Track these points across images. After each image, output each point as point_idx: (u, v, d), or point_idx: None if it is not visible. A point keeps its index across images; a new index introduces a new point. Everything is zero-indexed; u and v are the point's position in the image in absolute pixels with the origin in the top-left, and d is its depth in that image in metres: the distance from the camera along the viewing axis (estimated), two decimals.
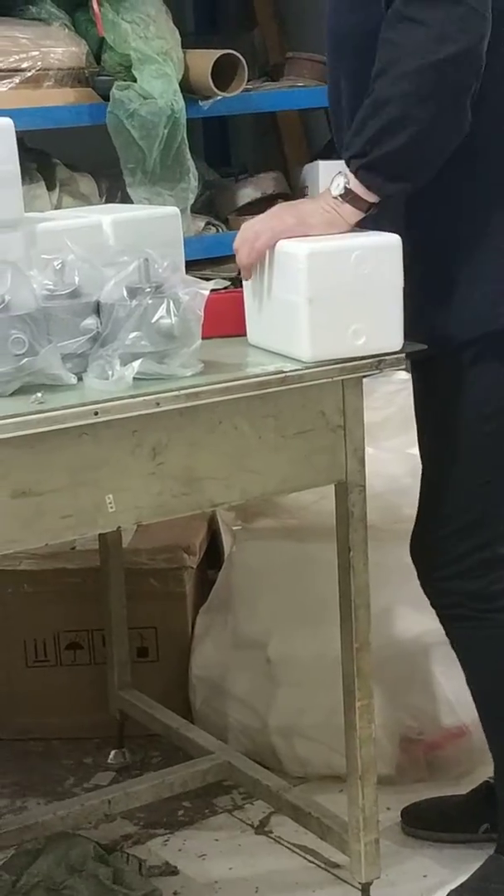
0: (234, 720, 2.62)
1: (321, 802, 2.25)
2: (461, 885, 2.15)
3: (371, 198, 1.84)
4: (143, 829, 2.44)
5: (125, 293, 1.79)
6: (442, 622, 2.12)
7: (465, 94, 1.79)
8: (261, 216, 1.93)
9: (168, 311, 1.77)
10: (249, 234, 1.90)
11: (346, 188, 1.84)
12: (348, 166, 1.83)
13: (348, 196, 1.84)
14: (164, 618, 2.71)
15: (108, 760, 2.66)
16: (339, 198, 1.85)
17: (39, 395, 1.72)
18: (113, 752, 2.66)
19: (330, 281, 1.86)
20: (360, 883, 2.12)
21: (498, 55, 1.82)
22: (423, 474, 2.09)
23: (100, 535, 2.50)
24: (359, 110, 1.82)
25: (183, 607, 2.71)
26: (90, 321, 1.78)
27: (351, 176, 1.83)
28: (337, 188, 1.85)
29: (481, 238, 1.92)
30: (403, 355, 1.93)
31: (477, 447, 1.99)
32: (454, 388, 1.97)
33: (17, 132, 1.97)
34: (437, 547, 2.05)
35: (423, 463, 2.09)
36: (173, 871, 2.31)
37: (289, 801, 2.26)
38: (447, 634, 2.12)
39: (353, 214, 1.86)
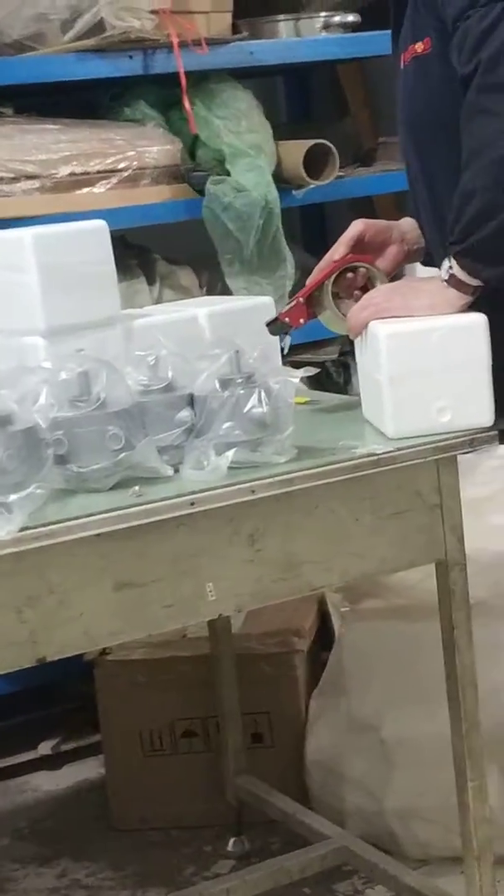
0: (350, 804, 2.61)
1: (442, 885, 2.22)
2: None
3: (473, 282, 1.89)
4: None
5: (217, 385, 1.84)
6: None
7: None
8: (383, 289, 2.00)
9: (259, 400, 1.81)
10: (364, 302, 1.98)
11: (450, 273, 1.90)
12: (452, 253, 1.89)
13: (452, 281, 1.90)
14: (277, 702, 2.71)
15: (228, 848, 2.66)
16: (445, 282, 1.90)
17: (137, 488, 1.76)
18: (232, 840, 2.66)
19: (411, 361, 1.90)
20: None
21: None
22: None
23: (209, 621, 2.53)
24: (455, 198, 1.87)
25: (295, 691, 2.71)
26: (184, 413, 1.83)
27: (454, 261, 1.89)
28: (443, 272, 1.91)
29: None
30: (496, 432, 1.94)
31: None
32: None
33: (117, 230, 2.04)
34: None
35: None
36: None
37: (408, 884, 2.24)
38: None
39: (458, 298, 1.91)
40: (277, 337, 2.11)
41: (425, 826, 2.53)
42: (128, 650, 2.70)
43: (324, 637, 2.89)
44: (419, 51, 1.91)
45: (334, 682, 2.70)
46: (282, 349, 2.10)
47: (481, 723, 2.03)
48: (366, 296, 2.01)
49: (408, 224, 2.14)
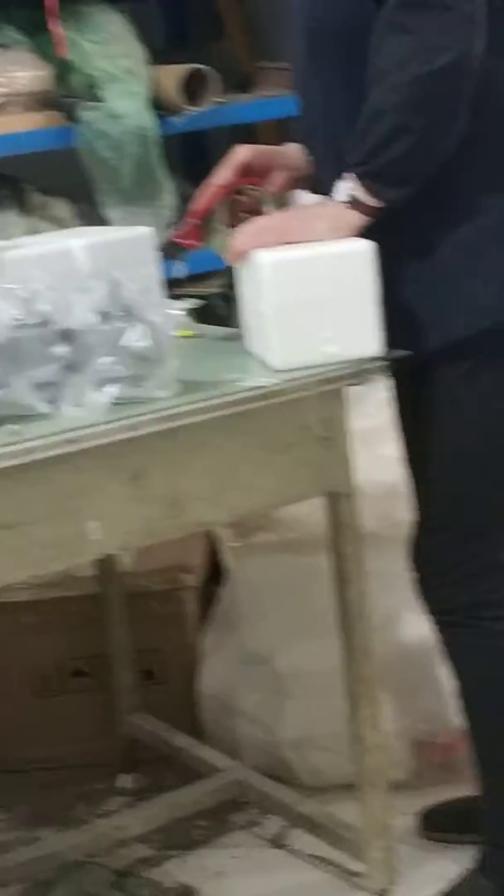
0: (244, 736, 2.61)
1: (337, 812, 2.24)
2: None
3: (375, 203, 1.85)
4: (159, 852, 2.42)
5: (96, 318, 1.79)
6: (436, 628, 2.10)
7: (459, 102, 1.80)
8: (272, 217, 1.95)
9: (140, 333, 1.77)
10: (253, 228, 1.92)
11: (350, 195, 1.85)
12: (352, 173, 1.84)
13: (353, 202, 1.85)
14: (168, 639, 2.69)
15: (120, 785, 2.65)
16: (345, 204, 1.86)
17: (14, 426, 1.71)
18: (124, 777, 2.65)
19: (296, 290, 1.86)
20: (378, 890, 2.11)
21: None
22: (417, 484, 2.06)
23: (97, 560, 2.50)
24: (358, 116, 1.82)
25: (186, 627, 2.69)
26: (61, 348, 1.77)
27: (356, 182, 1.84)
28: (341, 194, 1.85)
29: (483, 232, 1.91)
30: (386, 363, 1.92)
31: (475, 457, 1.97)
32: (451, 396, 1.95)
33: None
34: (435, 556, 2.03)
35: (415, 473, 2.07)
36: (191, 892, 2.30)
37: (303, 813, 2.25)
38: (441, 642, 2.10)
39: (359, 219, 1.86)
40: (161, 267, 2.06)
41: (319, 754, 2.54)
42: (13, 591, 2.65)
43: (214, 573, 2.87)
44: None
45: (226, 617, 2.69)
46: (176, 276, 2.04)
47: (373, 651, 2.04)
48: (259, 220, 1.95)
49: (293, 150, 2.08)
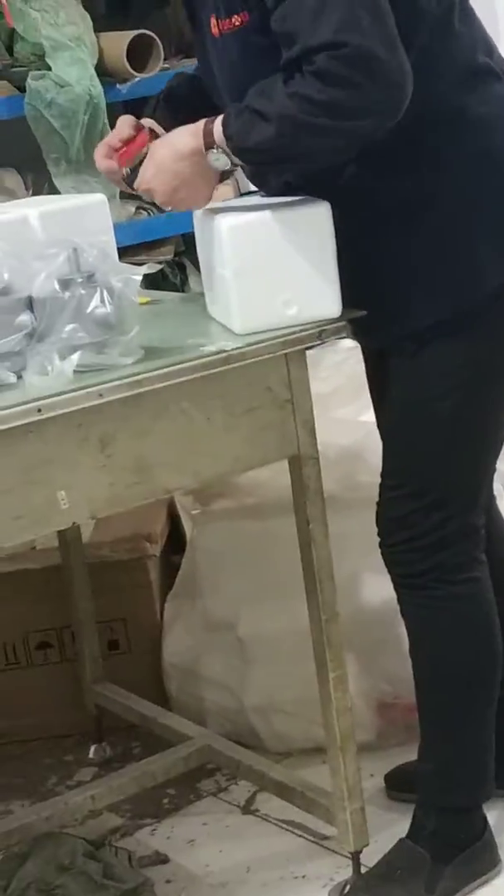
0: (210, 703, 2.62)
1: (305, 776, 2.25)
2: (368, 871, 2.14)
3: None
4: (130, 821, 2.43)
5: (57, 286, 1.77)
6: (397, 590, 2.11)
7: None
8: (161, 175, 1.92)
9: (102, 300, 1.75)
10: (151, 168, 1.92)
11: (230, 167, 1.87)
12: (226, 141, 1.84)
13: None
14: (132, 608, 2.69)
15: (89, 756, 2.65)
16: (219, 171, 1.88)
17: None
18: (93, 748, 2.65)
19: (255, 253, 1.86)
20: (349, 852, 2.13)
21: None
22: (385, 448, 2.07)
23: (59, 531, 2.48)
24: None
25: (150, 596, 2.69)
26: (24, 317, 1.76)
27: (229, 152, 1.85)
28: (218, 162, 1.86)
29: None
30: (344, 323, 1.93)
31: (442, 423, 1.98)
32: (418, 364, 1.96)
33: None
34: (402, 520, 2.04)
35: (384, 437, 2.08)
36: (163, 860, 2.31)
37: (272, 778, 2.26)
38: (400, 602, 2.12)
39: (223, 167, 1.88)
40: (116, 235, 2.04)
41: (285, 719, 2.55)
42: None
43: (174, 541, 2.87)
44: (237, 24, 1.87)
45: (188, 585, 2.69)
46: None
47: (339, 614, 2.04)
48: (157, 165, 1.92)
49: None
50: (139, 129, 2.01)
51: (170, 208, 1.96)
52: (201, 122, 1.87)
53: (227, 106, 1.94)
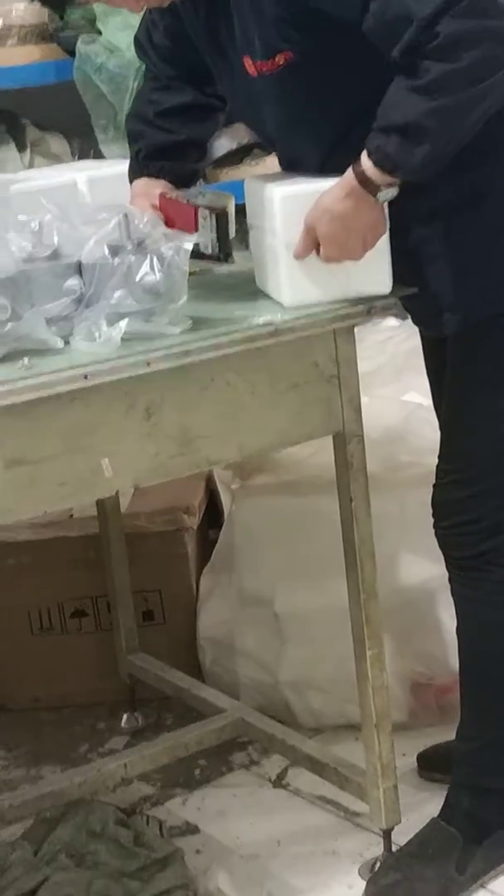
0: (244, 677, 2.61)
1: (337, 753, 2.25)
2: (399, 849, 2.13)
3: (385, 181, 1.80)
4: (161, 791, 2.44)
5: (107, 251, 1.76)
6: (449, 568, 2.10)
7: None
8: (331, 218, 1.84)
9: (152, 267, 1.74)
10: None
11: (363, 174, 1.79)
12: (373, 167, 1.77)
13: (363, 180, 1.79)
14: (168, 580, 2.69)
15: (122, 725, 2.65)
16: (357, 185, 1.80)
17: (26, 360, 1.68)
18: (125, 717, 2.65)
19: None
20: (381, 829, 2.12)
21: None
22: (443, 432, 2.06)
23: (98, 500, 2.48)
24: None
25: (186, 568, 2.69)
26: (73, 282, 1.75)
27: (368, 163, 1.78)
28: (388, 195, 1.80)
29: None
30: (394, 300, 1.91)
31: (498, 413, 1.96)
32: (475, 354, 1.95)
33: None
34: (458, 503, 2.03)
35: (447, 427, 2.06)
36: (194, 830, 2.31)
37: (305, 753, 2.26)
38: (451, 581, 2.11)
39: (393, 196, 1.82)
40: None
41: (318, 696, 2.55)
42: (13, 531, 2.64)
43: (211, 515, 2.86)
44: (280, 63, 1.81)
45: (225, 559, 2.69)
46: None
47: (378, 592, 2.03)
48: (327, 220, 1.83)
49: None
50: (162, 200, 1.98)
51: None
52: (347, 179, 1.79)
53: (272, 139, 1.93)
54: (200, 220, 1.95)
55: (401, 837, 2.13)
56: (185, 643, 2.68)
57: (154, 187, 2.05)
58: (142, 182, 2.07)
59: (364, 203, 1.80)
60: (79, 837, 2.15)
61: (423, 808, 2.23)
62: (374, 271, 1.88)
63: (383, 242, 1.87)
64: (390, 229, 1.86)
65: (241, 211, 1.99)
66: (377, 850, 2.15)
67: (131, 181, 2.09)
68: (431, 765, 2.37)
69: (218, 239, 1.95)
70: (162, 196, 2.01)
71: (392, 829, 2.12)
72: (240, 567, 2.65)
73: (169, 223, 1.92)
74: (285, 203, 1.85)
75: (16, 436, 1.69)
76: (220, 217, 1.95)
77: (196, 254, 1.87)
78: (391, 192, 1.79)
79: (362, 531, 1.99)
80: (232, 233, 2.00)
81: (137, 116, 2.15)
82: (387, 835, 2.12)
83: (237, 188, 2.05)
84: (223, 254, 1.96)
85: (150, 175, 2.07)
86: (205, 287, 2.05)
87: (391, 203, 1.83)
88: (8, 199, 1.93)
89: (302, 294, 1.87)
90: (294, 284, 1.87)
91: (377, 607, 2.03)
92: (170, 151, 2.08)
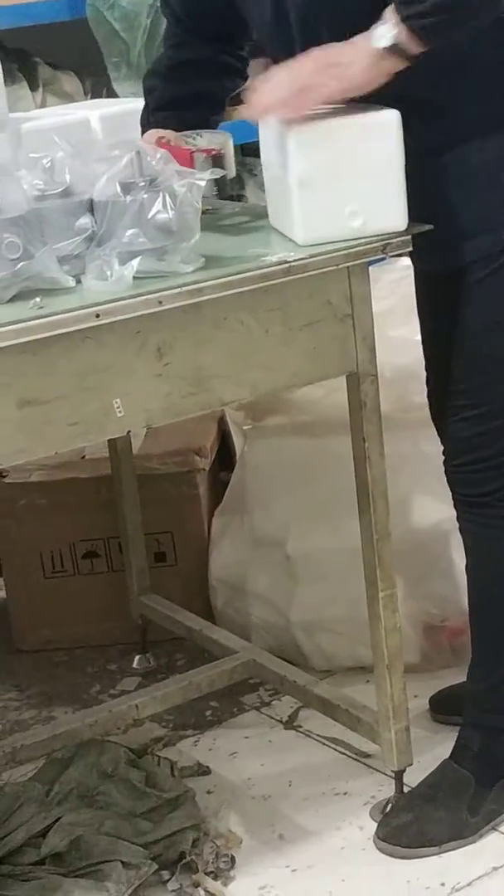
0: (256, 619, 2.61)
1: (349, 694, 2.25)
2: (410, 790, 2.13)
3: (416, 49, 1.74)
4: (173, 732, 2.44)
5: (119, 189, 1.73)
6: (458, 508, 2.09)
7: None
8: (293, 65, 1.80)
9: (164, 205, 1.72)
10: (275, 79, 1.81)
11: (393, 39, 1.73)
12: (398, 15, 1.72)
13: (392, 48, 1.74)
14: (180, 521, 2.68)
15: (133, 666, 2.66)
16: (382, 49, 1.74)
17: (38, 299, 1.67)
18: (137, 658, 2.66)
19: (321, 161, 1.81)
20: (392, 771, 2.13)
21: None
22: (451, 370, 2.02)
23: (109, 441, 2.47)
24: None
25: (198, 510, 2.68)
26: (85, 220, 1.72)
27: (399, 26, 1.72)
28: (383, 39, 1.74)
29: None
30: (410, 237, 1.88)
31: None
32: (487, 289, 1.92)
33: None
34: (468, 441, 2.02)
35: (448, 361, 2.03)
36: (205, 771, 2.32)
37: (317, 694, 2.26)
38: (459, 519, 2.10)
39: (393, 66, 1.76)
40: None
41: (330, 637, 2.55)
42: (25, 472, 2.64)
43: (223, 457, 2.86)
44: None
45: (237, 500, 2.68)
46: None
47: (391, 533, 2.02)
48: (279, 71, 1.81)
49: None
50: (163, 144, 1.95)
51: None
52: (365, 50, 1.74)
53: (290, 37, 1.87)
54: (198, 163, 1.93)
55: (412, 779, 2.14)
56: (197, 584, 2.68)
57: (158, 136, 2.02)
58: (149, 133, 2.05)
59: (361, 42, 1.75)
60: (90, 778, 2.16)
61: (434, 749, 2.24)
62: (390, 207, 1.85)
63: (399, 177, 1.84)
64: (407, 161, 1.83)
65: (255, 149, 1.96)
66: (388, 791, 2.16)
67: (142, 134, 2.06)
68: (444, 707, 2.37)
69: (215, 181, 1.92)
70: (159, 141, 1.98)
71: (403, 770, 2.12)
72: (252, 508, 2.64)
73: None
74: (300, 139, 1.82)
75: (28, 375, 1.68)
76: (216, 159, 1.93)
77: None
78: (391, 37, 1.72)
79: (375, 472, 1.98)
80: (232, 173, 1.98)
81: (152, 72, 2.15)
82: (398, 776, 2.13)
83: (249, 127, 2.02)
84: (221, 194, 1.94)
85: (155, 125, 2.05)
86: (216, 225, 2.02)
87: (420, 130, 1.78)
88: (20, 138, 1.90)
89: (316, 232, 1.85)
90: (308, 223, 1.84)
91: (390, 548, 2.02)
92: (178, 102, 2.07)
